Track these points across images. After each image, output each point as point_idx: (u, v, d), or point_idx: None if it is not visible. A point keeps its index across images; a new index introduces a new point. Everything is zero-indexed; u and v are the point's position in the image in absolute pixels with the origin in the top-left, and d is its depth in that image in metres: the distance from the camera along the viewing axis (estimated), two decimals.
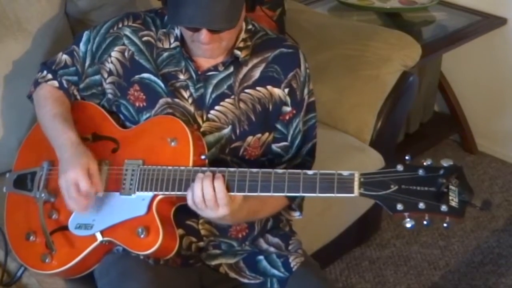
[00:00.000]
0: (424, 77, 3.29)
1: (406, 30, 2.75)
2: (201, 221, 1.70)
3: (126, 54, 1.72)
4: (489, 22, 3.21)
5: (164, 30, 1.71)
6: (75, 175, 1.57)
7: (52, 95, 1.77)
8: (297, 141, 1.75)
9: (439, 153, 3.42)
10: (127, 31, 1.72)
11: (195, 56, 1.67)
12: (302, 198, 1.77)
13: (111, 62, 1.72)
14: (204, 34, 1.54)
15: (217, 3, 1.50)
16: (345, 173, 1.46)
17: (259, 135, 1.71)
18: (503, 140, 3.45)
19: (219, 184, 1.50)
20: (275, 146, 1.75)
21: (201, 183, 1.51)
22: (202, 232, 1.70)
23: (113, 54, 1.72)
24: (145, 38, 1.71)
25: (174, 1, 1.53)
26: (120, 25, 1.73)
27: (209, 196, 1.50)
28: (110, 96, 1.75)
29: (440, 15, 3.25)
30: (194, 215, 1.68)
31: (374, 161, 2.43)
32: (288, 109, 1.72)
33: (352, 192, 1.44)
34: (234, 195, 1.53)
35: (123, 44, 1.72)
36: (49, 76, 1.79)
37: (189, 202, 1.54)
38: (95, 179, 1.59)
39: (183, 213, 1.64)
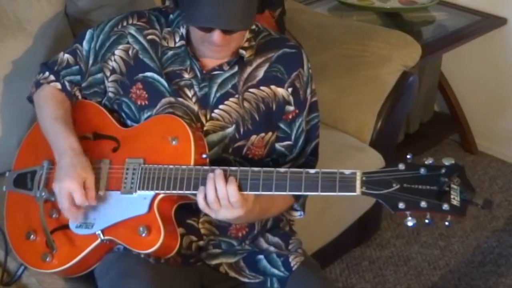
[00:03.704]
0: (424, 77, 3.29)
1: (406, 30, 2.75)
2: (201, 220, 1.70)
3: (130, 52, 1.71)
4: (489, 22, 3.22)
5: (169, 29, 1.71)
6: (70, 186, 1.57)
7: (54, 96, 1.76)
8: (300, 141, 1.76)
9: (439, 153, 3.42)
10: (132, 30, 1.72)
11: (200, 55, 1.67)
12: (306, 197, 1.77)
13: (114, 61, 1.72)
14: (217, 35, 1.54)
15: (233, 4, 1.50)
16: (347, 171, 1.46)
17: (262, 134, 1.71)
18: (503, 140, 3.46)
19: (232, 188, 1.49)
20: (278, 145, 1.75)
21: (213, 183, 1.50)
22: (202, 231, 1.70)
23: (117, 52, 1.72)
24: (149, 37, 1.71)
25: (188, 1, 1.53)
26: (125, 24, 1.73)
27: (222, 195, 1.49)
28: (111, 94, 1.74)
29: (440, 15, 3.26)
30: (195, 214, 1.69)
31: (374, 161, 2.43)
32: (291, 108, 1.72)
33: (354, 191, 1.44)
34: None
35: (128, 43, 1.72)
36: (52, 77, 1.78)
37: (201, 204, 1.53)
38: (90, 193, 1.59)
39: (184, 212, 1.64)
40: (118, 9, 2.21)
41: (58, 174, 1.61)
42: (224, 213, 1.52)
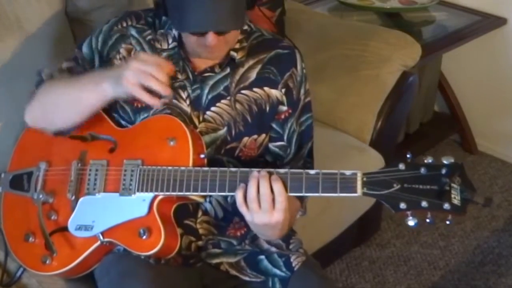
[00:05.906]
0: (424, 77, 3.29)
1: (406, 30, 2.74)
2: (199, 220, 1.70)
3: (132, 54, 1.70)
4: (489, 22, 3.22)
5: (162, 31, 1.71)
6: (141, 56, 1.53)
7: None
8: (293, 141, 1.75)
9: (439, 153, 3.39)
10: (133, 31, 1.71)
11: (193, 57, 1.67)
12: (307, 198, 1.76)
13: (120, 59, 1.70)
14: (211, 37, 1.53)
15: (221, 5, 1.49)
16: (348, 172, 1.45)
17: (255, 136, 1.70)
18: (503, 140, 3.46)
19: (278, 186, 1.47)
20: (272, 146, 1.74)
21: (256, 182, 1.48)
22: (200, 231, 1.70)
23: (122, 51, 1.70)
24: (148, 38, 1.71)
25: (177, 7, 1.52)
26: (124, 24, 1.72)
27: (265, 197, 1.47)
28: None
29: (440, 15, 3.26)
30: (192, 215, 1.69)
31: (374, 161, 2.42)
32: (284, 108, 1.71)
33: (355, 192, 1.44)
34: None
35: (130, 44, 1.71)
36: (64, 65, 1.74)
37: (239, 202, 1.50)
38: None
39: (181, 213, 1.64)
40: (117, 9, 2.21)
41: (115, 72, 1.55)
42: (262, 217, 1.49)
